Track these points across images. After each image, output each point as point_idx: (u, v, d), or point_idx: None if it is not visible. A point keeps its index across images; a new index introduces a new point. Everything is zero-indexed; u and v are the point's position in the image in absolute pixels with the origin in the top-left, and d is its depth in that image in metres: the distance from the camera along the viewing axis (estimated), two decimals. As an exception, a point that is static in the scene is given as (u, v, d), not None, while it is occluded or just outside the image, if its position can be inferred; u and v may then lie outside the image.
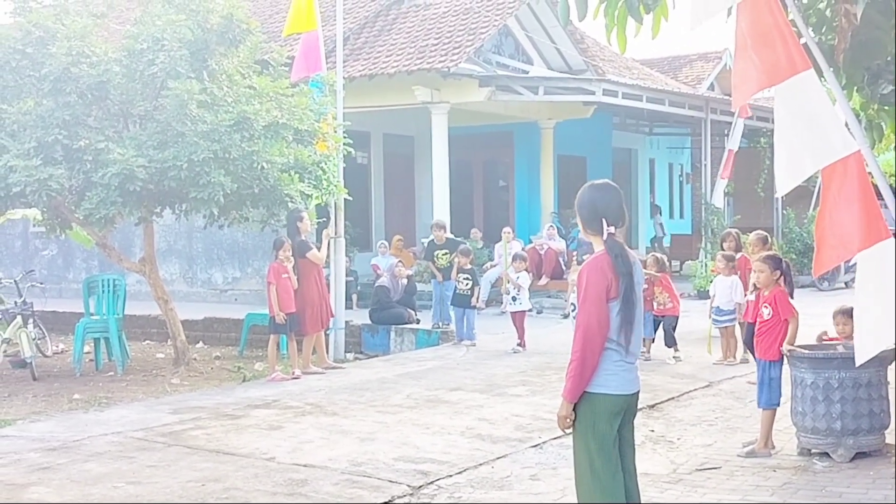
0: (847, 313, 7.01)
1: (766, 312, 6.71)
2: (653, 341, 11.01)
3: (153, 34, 10.23)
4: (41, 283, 13.58)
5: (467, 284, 12.29)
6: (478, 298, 12.58)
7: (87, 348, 11.79)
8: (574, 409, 4.26)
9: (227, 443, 7.33)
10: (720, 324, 10.59)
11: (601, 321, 4.16)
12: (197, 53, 10.40)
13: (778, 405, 6.70)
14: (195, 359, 12.08)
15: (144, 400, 9.53)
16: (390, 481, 6.26)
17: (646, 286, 10.77)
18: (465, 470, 6.52)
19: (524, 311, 12.11)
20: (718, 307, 10.51)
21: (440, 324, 12.98)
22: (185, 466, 6.66)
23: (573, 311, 4.37)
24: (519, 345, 11.82)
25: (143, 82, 10.41)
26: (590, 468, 4.27)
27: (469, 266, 12.55)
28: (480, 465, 6.66)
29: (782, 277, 6.79)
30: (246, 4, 11.28)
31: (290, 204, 10.71)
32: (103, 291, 11.71)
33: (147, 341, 14.07)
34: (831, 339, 7.07)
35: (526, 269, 12.50)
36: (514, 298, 12.09)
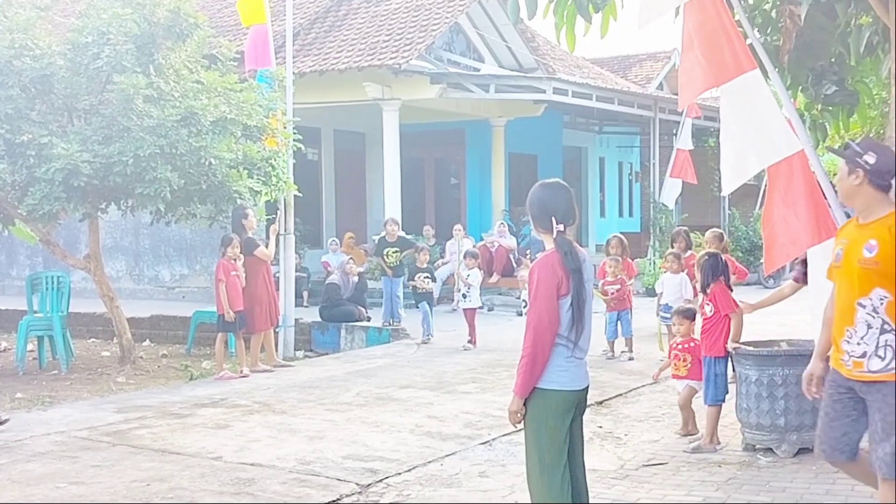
0: (682, 314, 7.22)
1: (708, 310, 6.80)
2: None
3: (98, 27, 10.07)
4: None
5: (427, 282, 12.34)
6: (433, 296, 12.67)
7: (30, 346, 11.58)
8: (525, 405, 4.29)
9: (174, 442, 7.25)
10: (669, 321, 10.67)
11: (551, 318, 4.20)
12: (143, 47, 10.26)
13: (723, 401, 6.78)
14: (141, 357, 11.93)
15: (89, 399, 9.38)
16: (339, 480, 6.22)
17: (619, 287, 10.89)
18: (414, 467, 6.51)
19: (475, 309, 12.15)
20: (667, 304, 10.60)
21: (390, 321, 12.96)
22: (130, 466, 6.57)
23: (525, 307, 4.40)
24: (469, 342, 11.84)
25: (88, 76, 10.25)
26: (539, 464, 4.31)
27: (426, 265, 12.59)
28: (429, 462, 6.65)
29: (723, 274, 6.86)
30: (194, -2, 11.15)
31: (238, 200, 10.61)
32: (47, 289, 11.52)
33: (92, 339, 13.86)
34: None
35: (477, 267, 12.54)
36: (464, 295, 12.14)
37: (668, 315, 10.60)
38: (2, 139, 9.73)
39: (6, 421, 7.85)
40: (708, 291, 6.85)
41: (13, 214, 10.78)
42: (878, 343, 4.04)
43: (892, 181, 4.12)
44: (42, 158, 9.64)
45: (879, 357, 4.04)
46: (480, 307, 12.66)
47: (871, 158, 4.11)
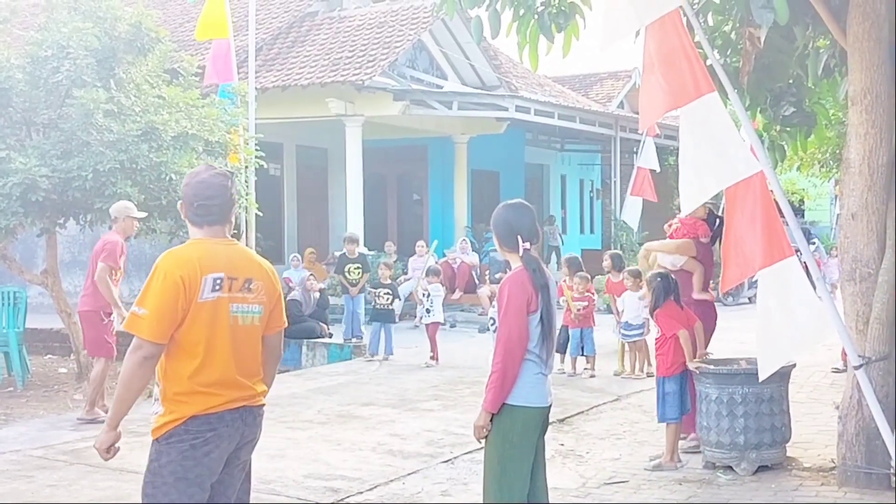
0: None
1: (656, 331, 6.88)
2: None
3: (58, 41, 9.97)
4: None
5: (388, 299, 12.27)
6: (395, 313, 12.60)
7: (-16, 363, 11.38)
8: (491, 420, 4.31)
9: (131, 461, 7.09)
10: (629, 338, 10.77)
11: (521, 334, 4.26)
12: (104, 62, 10.17)
13: (676, 419, 6.81)
14: (99, 374, 11.75)
15: (45, 416, 9.24)
16: (299, 499, 6.18)
17: (586, 304, 10.93)
18: (375, 486, 6.48)
19: (437, 323, 12.14)
20: (628, 322, 10.69)
21: (352, 338, 12.91)
22: (87, 485, 6.48)
23: (493, 325, 4.43)
24: (432, 358, 11.82)
25: (47, 90, 10.14)
26: (499, 480, 4.33)
27: (389, 280, 12.55)
28: (391, 481, 6.63)
29: (673, 294, 6.90)
30: (155, 13, 11.08)
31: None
32: (3, 304, 11.32)
33: (49, 356, 13.63)
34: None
35: (440, 283, 12.55)
36: (427, 310, 12.12)
37: (629, 332, 10.71)
38: (-42, 153, 9.59)
39: None
40: (653, 314, 6.92)
41: (-30, 229, 10.61)
42: None
43: None
44: (0, 172, 9.51)
45: None
46: (443, 324, 12.65)
47: None
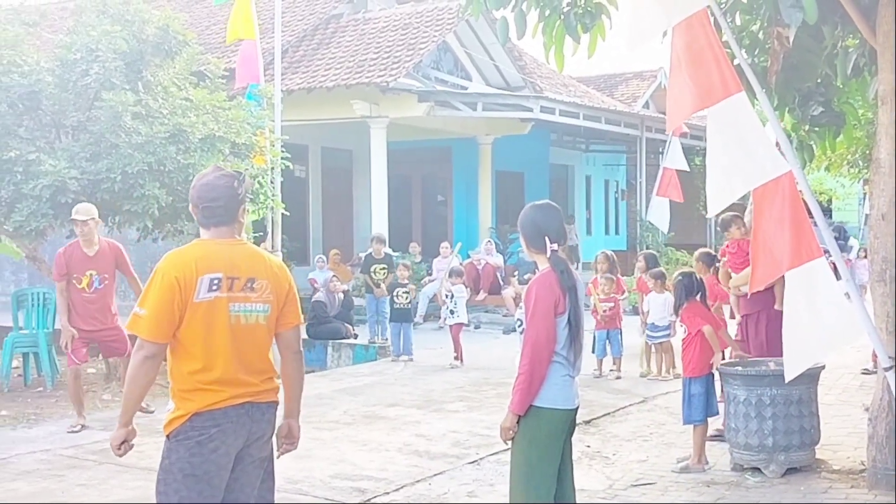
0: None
1: (682, 331, 6.84)
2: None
3: (87, 44, 10.07)
4: (-33, 297, 13.22)
5: (406, 299, 12.28)
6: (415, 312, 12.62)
7: (15, 363, 11.49)
8: (517, 422, 4.30)
9: (159, 460, 7.19)
10: (655, 340, 10.73)
11: (549, 335, 4.25)
12: (132, 64, 10.26)
13: (701, 421, 6.78)
14: (127, 374, 11.84)
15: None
16: (326, 499, 6.20)
17: (612, 305, 10.92)
18: (402, 487, 6.49)
19: (461, 324, 12.14)
20: (653, 323, 10.66)
21: (377, 339, 12.94)
22: (117, 485, 6.53)
23: (520, 326, 4.43)
24: (456, 359, 11.83)
25: (76, 93, 10.23)
26: (526, 482, 4.32)
27: (407, 281, 12.56)
28: (417, 481, 6.64)
29: (698, 293, 6.88)
30: (182, 16, 11.17)
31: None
32: (33, 305, 11.44)
33: (78, 356, 13.74)
34: None
35: (463, 284, 12.55)
36: (451, 311, 12.13)
37: (654, 334, 10.68)
38: (-11, 155, 9.69)
39: None
40: (679, 313, 6.89)
41: (-1, 231, 10.73)
42: None
43: None
44: (29, 175, 9.60)
45: None
46: (467, 325, 12.65)
47: None
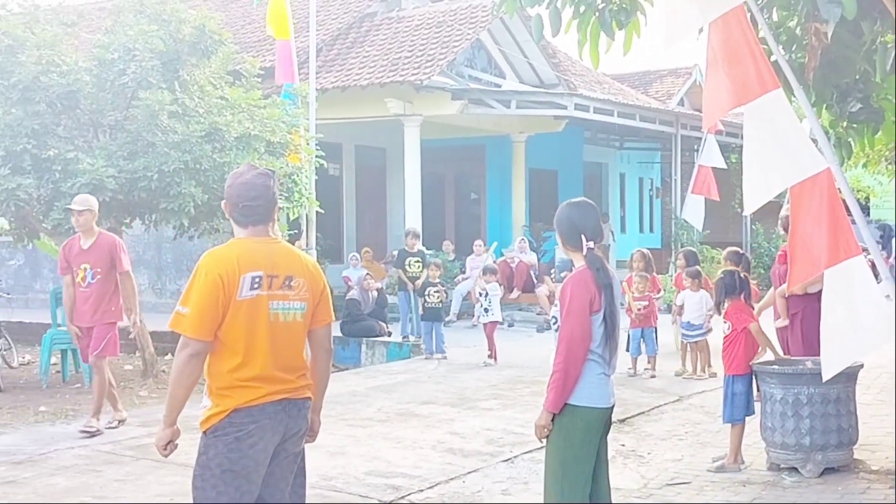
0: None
1: (726, 328, 6.79)
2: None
3: (124, 44, 10.18)
4: (7, 294, 13.42)
5: (437, 298, 12.29)
6: (447, 311, 12.60)
7: (53, 360, 11.64)
8: (552, 421, 4.29)
9: (196, 456, 7.25)
10: (691, 338, 10.66)
11: (584, 333, 4.23)
12: (168, 64, 10.35)
13: (741, 420, 6.72)
14: (164, 371, 11.94)
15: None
16: (361, 496, 6.22)
17: (647, 303, 10.88)
18: (436, 484, 6.50)
19: (495, 322, 12.13)
20: (689, 322, 10.59)
21: (410, 336, 12.96)
22: (154, 481, 6.59)
23: (555, 324, 4.42)
24: (490, 356, 11.82)
25: (114, 92, 10.35)
26: (560, 480, 4.30)
27: (438, 280, 12.58)
28: (451, 479, 6.64)
29: (741, 291, 6.84)
30: (218, 15, 11.25)
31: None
32: (71, 302, 11.55)
33: (114, 353, 13.88)
34: None
35: (497, 282, 12.54)
36: (486, 310, 12.12)
37: (690, 333, 10.61)
38: (28, 154, 9.82)
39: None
40: (722, 310, 6.85)
41: (38, 228, 10.87)
42: None
43: None
44: (68, 173, 9.72)
45: None
46: (501, 322, 12.63)
47: None
